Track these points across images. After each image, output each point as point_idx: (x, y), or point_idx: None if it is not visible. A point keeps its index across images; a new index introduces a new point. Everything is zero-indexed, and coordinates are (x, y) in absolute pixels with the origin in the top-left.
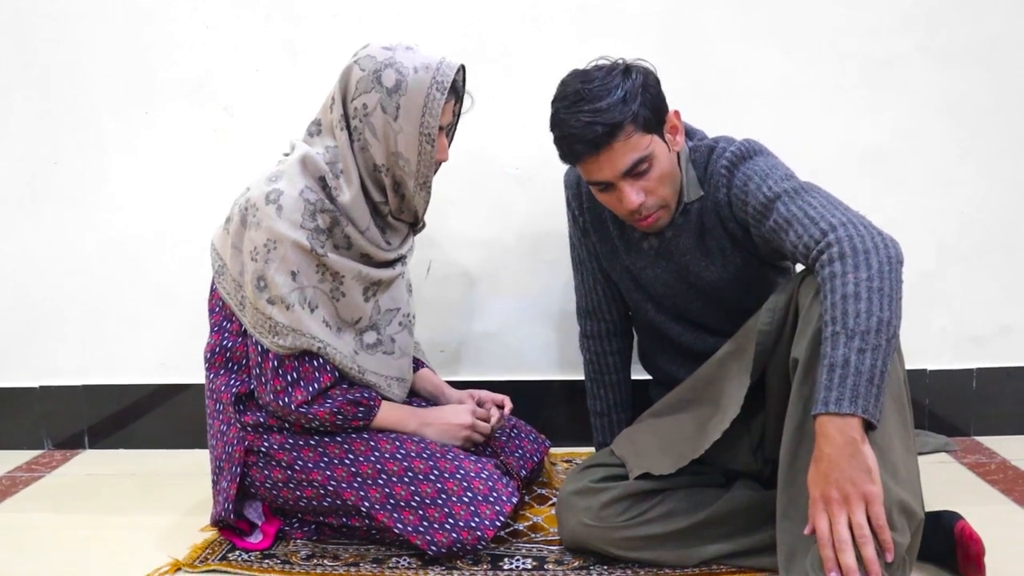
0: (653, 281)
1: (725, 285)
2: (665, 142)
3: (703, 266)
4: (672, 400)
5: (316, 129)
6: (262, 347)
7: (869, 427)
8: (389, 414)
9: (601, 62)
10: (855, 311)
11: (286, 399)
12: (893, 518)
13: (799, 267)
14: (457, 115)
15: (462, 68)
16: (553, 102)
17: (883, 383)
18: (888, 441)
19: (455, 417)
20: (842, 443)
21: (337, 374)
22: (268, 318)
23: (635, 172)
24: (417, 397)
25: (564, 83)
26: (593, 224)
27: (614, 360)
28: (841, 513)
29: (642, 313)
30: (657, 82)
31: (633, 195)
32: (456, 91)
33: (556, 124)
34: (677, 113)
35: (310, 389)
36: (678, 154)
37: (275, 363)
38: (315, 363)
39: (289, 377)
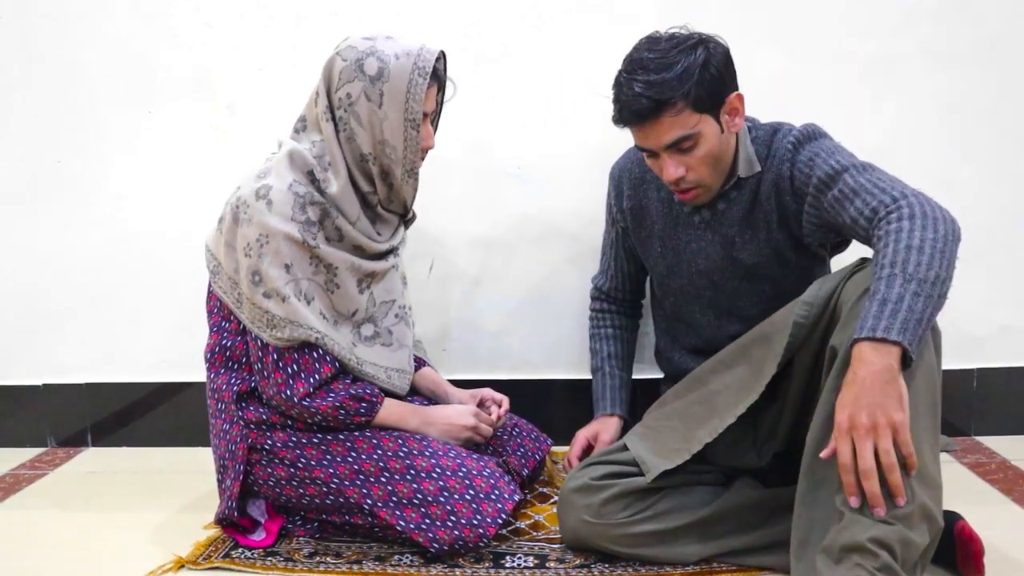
0: (696, 255)
1: (764, 262)
2: (720, 123)
3: (747, 238)
4: (691, 382)
5: (302, 125)
6: (262, 342)
7: (905, 364)
8: (391, 411)
9: (678, 31)
10: (917, 261)
11: (288, 392)
12: (914, 520)
13: (835, 263)
14: (440, 103)
15: (443, 55)
16: (623, 61)
17: (926, 333)
18: (918, 444)
19: (458, 418)
20: (879, 368)
21: (337, 365)
22: (265, 312)
23: (679, 148)
24: (418, 395)
25: (635, 47)
26: (633, 210)
27: (612, 318)
28: (868, 440)
29: (670, 300)
30: (723, 62)
31: (672, 168)
32: (438, 77)
33: (614, 86)
34: (740, 96)
35: (311, 380)
36: (736, 134)
37: (275, 356)
38: (315, 354)
39: (290, 369)
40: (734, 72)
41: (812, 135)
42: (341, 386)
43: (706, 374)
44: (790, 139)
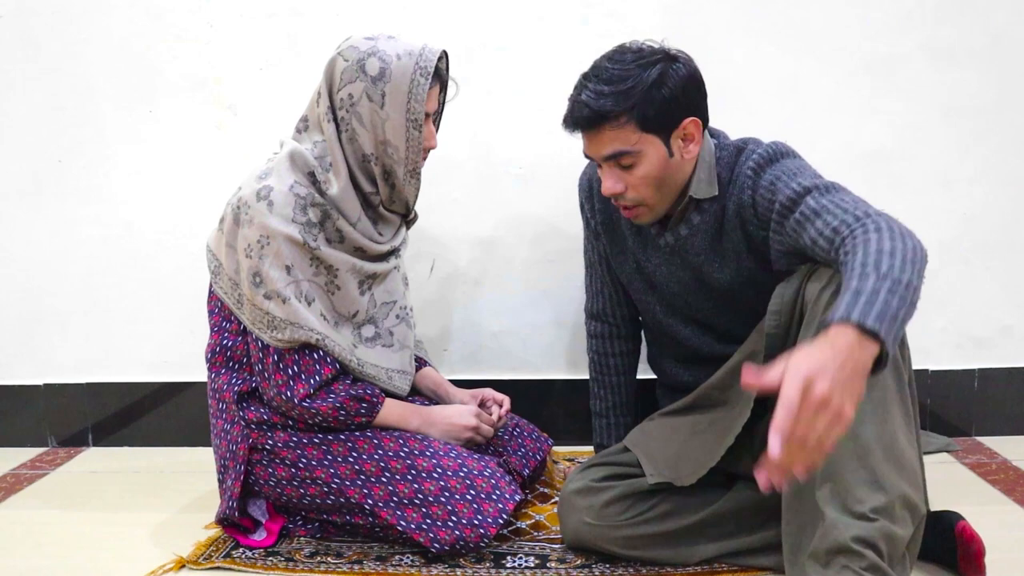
0: (667, 279)
1: (738, 288)
2: (669, 146)
3: (716, 267)
4: (687, 404)
5: (304, 125)
6: (262, 343)
7: (876, 367)
8: (392, 412)
9: (653, 44)
10: (889, 263)
11: (288, 393)
12: (895, 511)
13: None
14: (442, 102)
15: (444, 54)
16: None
17: (900, 332)
18: (892, 435)
19: (459, 418)
20: (859, 359)
21: (338, 366)
22: (265, 313)
23: (618, 162)
24: (419, 396)
25: (604, 53)
26: (604, 226)
27: (616, 362)
28: (821, 416)
29: (651, 316)
30: (683, 85)
31: (609, 182)
32: (440, 77)
33: (574, 87)
34: (697, 123)
35: (312, 382)
36: (698, 156)
37: (276, 358)
38: (315, 356)
39: (290, 371)
40: (696, 96)
41: (773, 156)
42: (341, 387)
43: (702, 397)
44: (750, 163)
